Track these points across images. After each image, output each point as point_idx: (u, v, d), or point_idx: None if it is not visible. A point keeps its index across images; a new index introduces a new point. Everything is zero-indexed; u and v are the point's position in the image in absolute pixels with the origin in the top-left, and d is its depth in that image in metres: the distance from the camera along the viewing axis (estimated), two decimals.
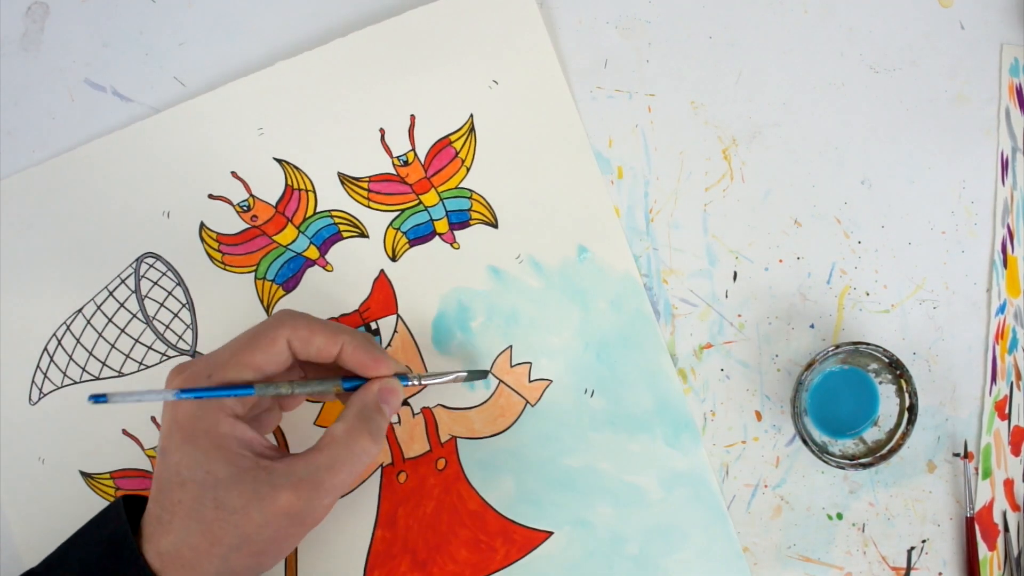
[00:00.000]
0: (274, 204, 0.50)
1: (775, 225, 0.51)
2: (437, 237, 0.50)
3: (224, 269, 0.50)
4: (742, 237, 0.51)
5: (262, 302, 0.50)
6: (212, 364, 0.38)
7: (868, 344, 0.46)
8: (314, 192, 0.50)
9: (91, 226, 0.51)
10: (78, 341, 0.50)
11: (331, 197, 0.50)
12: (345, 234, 0.50)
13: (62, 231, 0.51)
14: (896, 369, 0.47)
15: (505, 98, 0.50)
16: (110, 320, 0.50)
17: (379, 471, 0.49)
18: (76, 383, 0.50)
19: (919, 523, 0.50)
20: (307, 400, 0.48)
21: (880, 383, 0.49)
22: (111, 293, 0.50)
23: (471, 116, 0.50)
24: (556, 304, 0.50)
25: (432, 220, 0.50)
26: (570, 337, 0.49)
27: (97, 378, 0.50)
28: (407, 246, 0.50)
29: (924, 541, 0.50)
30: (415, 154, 0.50)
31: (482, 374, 0.49)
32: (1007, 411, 0.51)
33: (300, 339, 0.39)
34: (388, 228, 0.50)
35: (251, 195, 0.50)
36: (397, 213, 0.50)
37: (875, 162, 0.51)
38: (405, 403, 0.49)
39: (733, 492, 0.50)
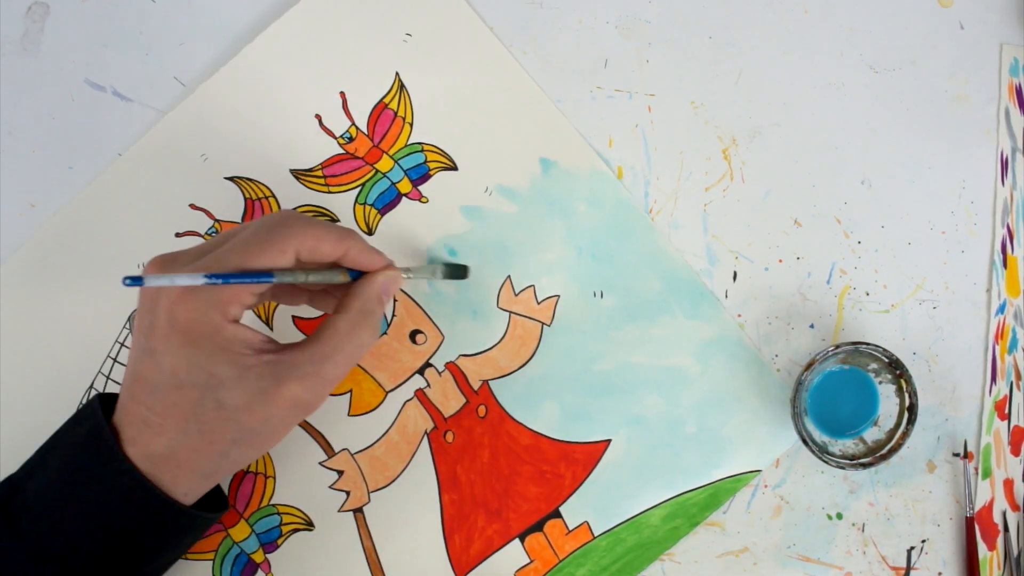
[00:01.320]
0: (240, 221, 0.51)
1: (775, 225, 0.51)
2: (403, 198, 0.50)
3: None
4: (742, 237, 0.51)
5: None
6: (219, 258, 0.37)
7: (868, 344, 0.46)
8: (274, 197, 0.50)
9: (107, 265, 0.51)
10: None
11: (291, 196, 0.50)
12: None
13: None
14: (896, 369, 0.47)
15: (422, 46, 0.51)
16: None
17: (425, 437, 0.49)
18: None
19: (919, 523, 0.50)
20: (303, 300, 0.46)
21: (880, 383, 0.49)
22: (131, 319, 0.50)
23: (396, 74, 0.51)
24: (538, 222, 0.50)
25: (394, 184, 0.50)
26: (562, 248, 0.49)
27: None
28: (378, 216, 0.50)
29: (924, 541, 0.50)
30: (356, 128, 0.51)
31: (462, 270, 0.49)
32: (1007, 411, 0.51)
33: (307, 249, 0.39)
34: (355, 206, 0.50)
35: (215, 220, 0.51)
36: (359, 188, 0.50)
37: (875, 162, 0.51)
38: (429, 365, 0.49)
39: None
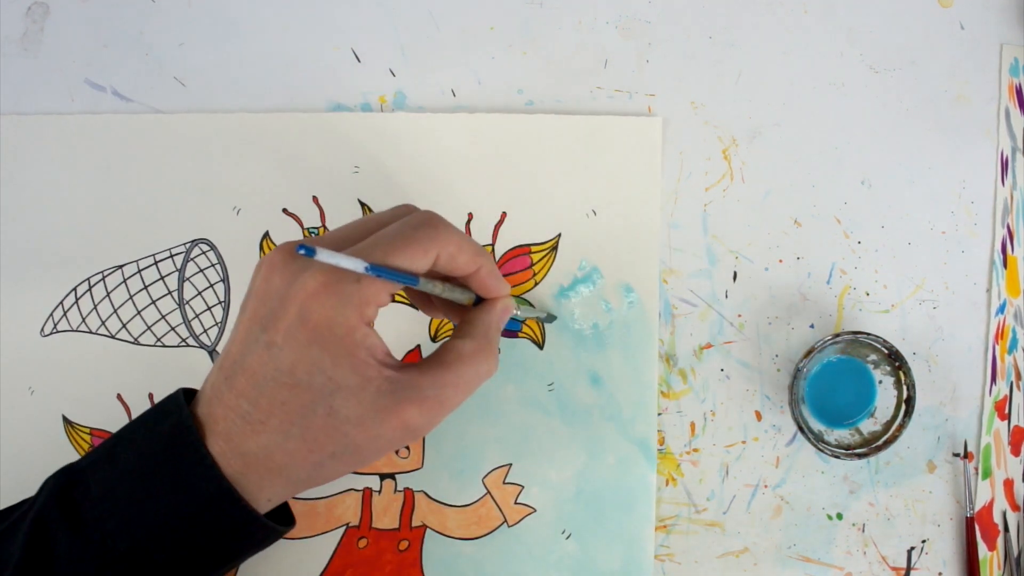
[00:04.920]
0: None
1: (775, 225, 0.51)
2: None
3: None
4: (742, 237, 0.51)
5: None
6: (363, 249, 0.34)
7: (868, 334, 0.46)
8: None
9: (161, 191, 0.51)
10: (108, 295, 0.50)
11: None
12: (397, 298, 0.49)
13: (131, 182, 0.51)
14: (895, 360, 0.47)
15: (597, 229, 0.50)
16: (145, 287, 0.50)
17: (343, 530, 0.49)
18: (90, 333, 0.50)
19: (919, 523, 0.50)
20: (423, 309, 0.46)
21: (878, 375, 0.49)
22: (156, 263, 0.50)
23: (559, 235, 0.50)
24: (568, 444, 0.49)
25: None
26: (568, 479, 0.49)
27: (112, 336, 0.50)
28: (449, 333, 0.50)
29: (924, 541, 0.50)
30: (493, 248, 0.50)
31: (552, 318, 0.49)
32: (1007, 411, 0.51)
33: (447, 256, 0.36)
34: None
35: (324, 226, 0.50)
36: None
37: (875, 162, 0.51)
38: (392, 477, 0.49)
39: (733, 492, 0.50)
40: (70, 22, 0.53)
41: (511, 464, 0.49)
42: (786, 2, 0.52)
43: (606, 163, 0.50)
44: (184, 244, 0.50)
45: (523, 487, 0.49)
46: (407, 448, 0.49)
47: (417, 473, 0.49)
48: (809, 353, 0.47)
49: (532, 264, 0.50)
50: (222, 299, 0.50)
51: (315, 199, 0.50)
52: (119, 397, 0.49)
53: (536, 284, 0.50)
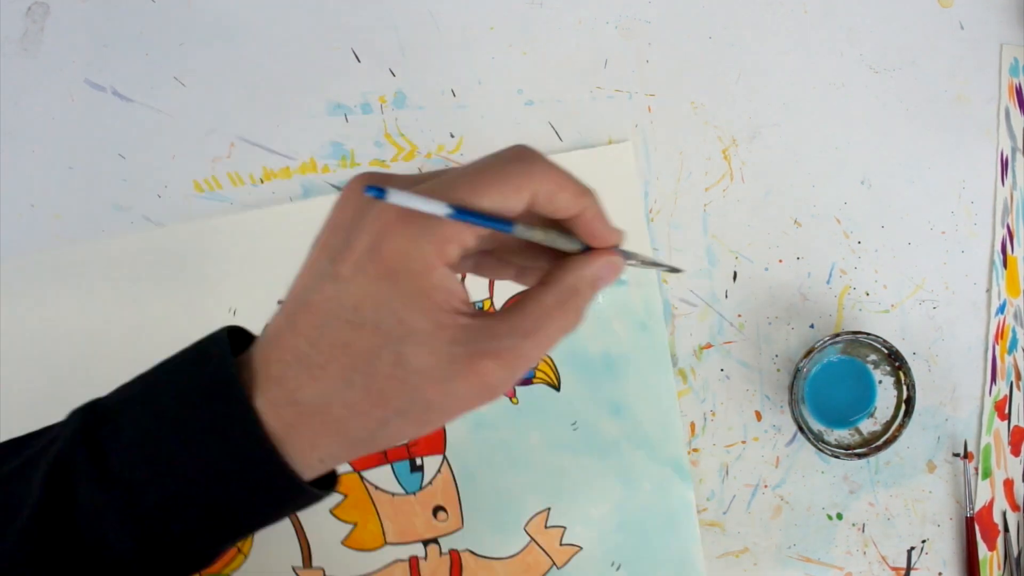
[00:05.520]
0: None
1: (775, 225, 0.51)
2: None
3: None
4: (742, 237, 0.51)
5: None
6: (444, 186, 0.30)
7: (868, 334, 0.46)
8: None
9: (159, 305, 0.50)
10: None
11: None
12: None
13: (127, 303, 0.51)
14: (895, 360, 0.47)
15: None
16: None
17: None
18: None
19: (919, 523, 0.50)
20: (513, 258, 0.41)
21: (878, 376, 0.49)
22: None
23: None
24: (602, 478, 0.50)
25: None
26: (608, 511, 0.50)
27: None
28: None
29: (924, 541, 0.50)
30: (491, 303, 0.50)
31: (676, 270, 0.44)
32: (1007, 411, 0.51)
33: (545, 194, 0.32)
34: None
35: None
36: None
37: (875, 162, 0.51)
38: (436, 541, 0.49)
39: (733, 492, 0.50)
40: (70, 22, 0.53)
41: (549, 508, 0.50)
42: (786, 2, 0.52)
43: None
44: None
45: (565, 528, 0.49)
46: (445, 511, 0.49)
47: (459, 533, 0.49)
48: (809, 353, 0.47)
49: None
50: None
51: None
52: None
53: None
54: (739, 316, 0.51)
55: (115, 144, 0.52)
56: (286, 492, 0.32)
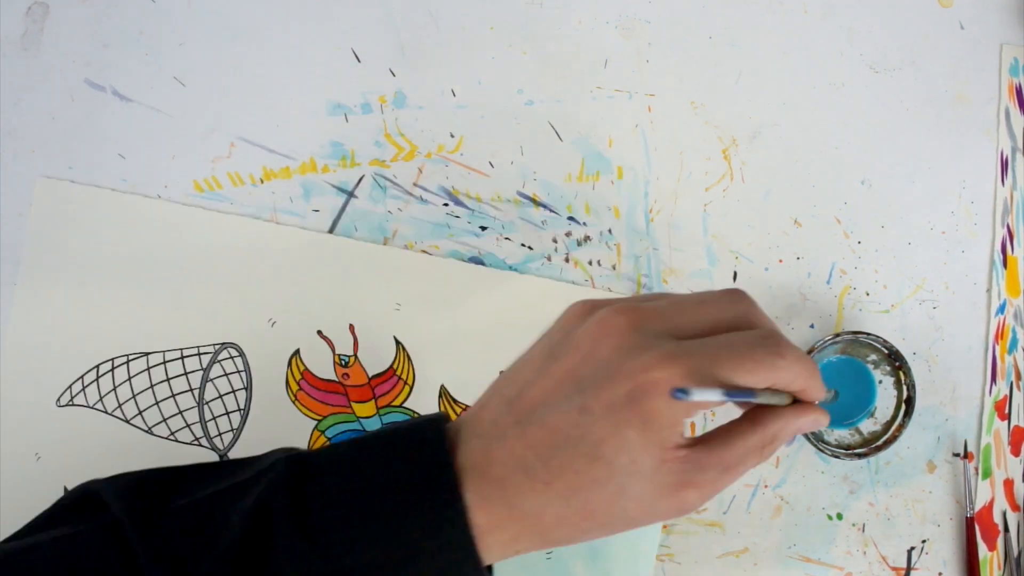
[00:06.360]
0: (370, 376, 0.50)
1: (775, 225, 0.51)
2: None
3: (292, 403, 0.50)
4: (742, 237, 0.51)
5: None
6: (711, 364, 0.33)
7: (868, 334, 0.46)
8: (411, 388, 0.50)
9: (201, 288, 0.50)
10: (129, 379, 0.50)
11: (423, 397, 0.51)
12: None
13: (173, 273, 0.51)
14: (895, 360, 0.47)
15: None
16: (168, 379, 0.50)
17: None
18: (104, 413, 0.50)
19: (919, 523, 0.50)
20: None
21: (878, 376, 0.49)
22: (183, 357, 0.50)
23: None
24: None
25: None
26: None
27: (126, 421, 0.50)
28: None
29: (924, 541, 0.50)
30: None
31: (835, 397, 0.48)
32: (1007, 411, 0.51)
33: (784, 381, 0.35)
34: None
35: (355, 356, 0.50)
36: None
37: (875, 162, 0.51)
38: None
39: (733, 492, 0.50)
40: (70, 22, 0.53)
41: None
42: (786, 2, 0.52)
43: None
44: (214, 345, 0.50)
45: None
46: None
47: None
48: (809, 352, 0.47)
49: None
50: (242, 407, 0.50)
51: (351, 327, 0.50)
52: None
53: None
54: None
55: (115, 144, 0.52)
56: (470, 574, 0.34)
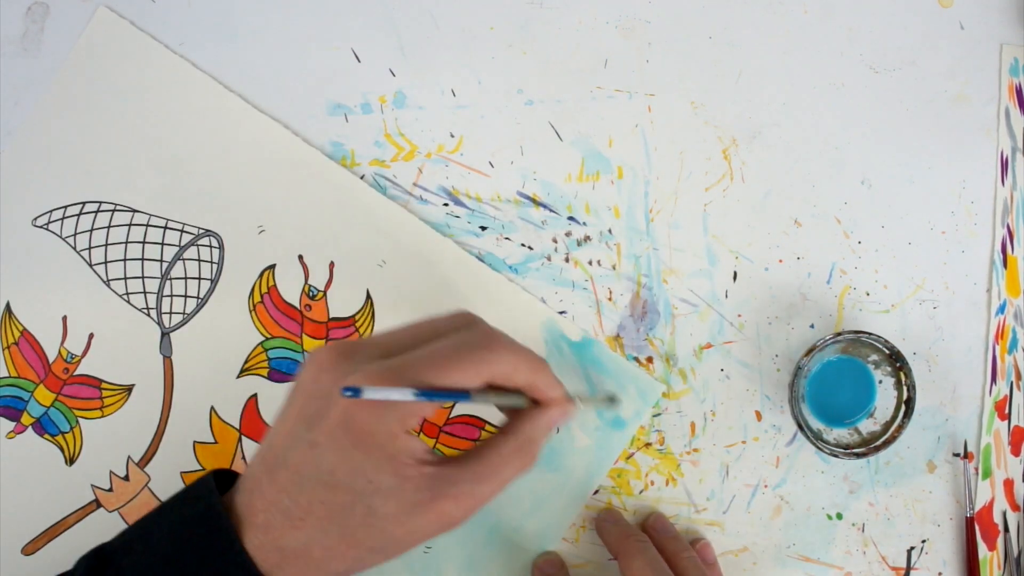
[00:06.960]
0: (331, 316, 0.50)
1: (775, 225, 0.51)
2: None
3: (249, 312, 0.50)
4: (742, 237, 0.51)
5: (243, 366, 0.50)
6: (412, 369, 0.35)
7: (869, 334, 0.46)
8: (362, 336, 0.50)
9: (211, 171, 0.51)
10: (108, 226, 0.50)
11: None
12: None
13: (190, 146, 0.51)
14: (896, 361, 0.47)
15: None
16: (143, 242, 0.50)
17: None
18: (72, 249, 0.50)
19: (919, 523, 0.50)
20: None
21: (879, 375, 0.49)
22: (166, 227, 0.51)
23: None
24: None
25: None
26: None
27: (90, 265, 0.50)
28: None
29: (924, 541, 0.50)
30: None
31: (617, 402, 0.49)
32: (1007, 411, 0.51)
33: (501, 376, 0.37)
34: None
35: (325, 292, 0.50)
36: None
37: (875, 162, 0.51)
38: None
39: (733, 492, 0.50)
40: (70, 22, 0.53)
41: None
42: (786, 2, 0.52)
43: None
44: (199, 228, 0.51)
45: None
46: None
47: None
48: (811, 351, 0.47)
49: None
50: (201, 296, 0.50)
51: (331, 264, 0.51)
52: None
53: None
54: (739, 316, 0.51)
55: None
56: None
